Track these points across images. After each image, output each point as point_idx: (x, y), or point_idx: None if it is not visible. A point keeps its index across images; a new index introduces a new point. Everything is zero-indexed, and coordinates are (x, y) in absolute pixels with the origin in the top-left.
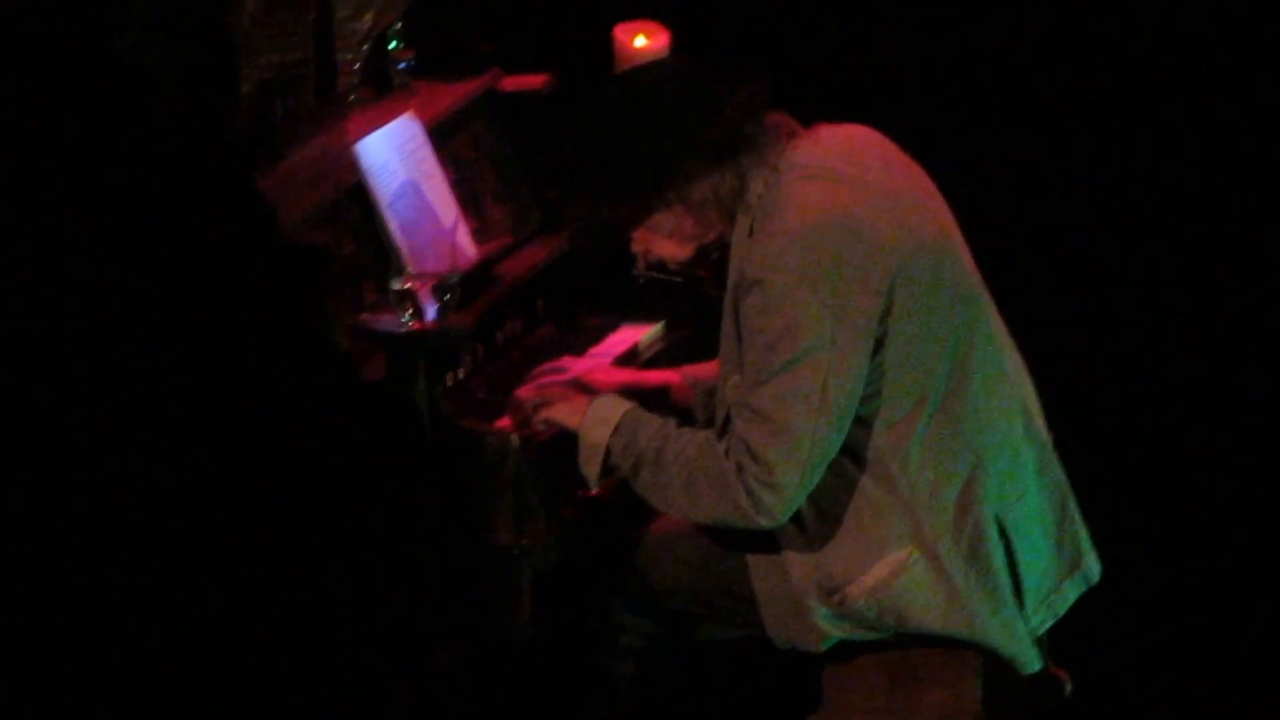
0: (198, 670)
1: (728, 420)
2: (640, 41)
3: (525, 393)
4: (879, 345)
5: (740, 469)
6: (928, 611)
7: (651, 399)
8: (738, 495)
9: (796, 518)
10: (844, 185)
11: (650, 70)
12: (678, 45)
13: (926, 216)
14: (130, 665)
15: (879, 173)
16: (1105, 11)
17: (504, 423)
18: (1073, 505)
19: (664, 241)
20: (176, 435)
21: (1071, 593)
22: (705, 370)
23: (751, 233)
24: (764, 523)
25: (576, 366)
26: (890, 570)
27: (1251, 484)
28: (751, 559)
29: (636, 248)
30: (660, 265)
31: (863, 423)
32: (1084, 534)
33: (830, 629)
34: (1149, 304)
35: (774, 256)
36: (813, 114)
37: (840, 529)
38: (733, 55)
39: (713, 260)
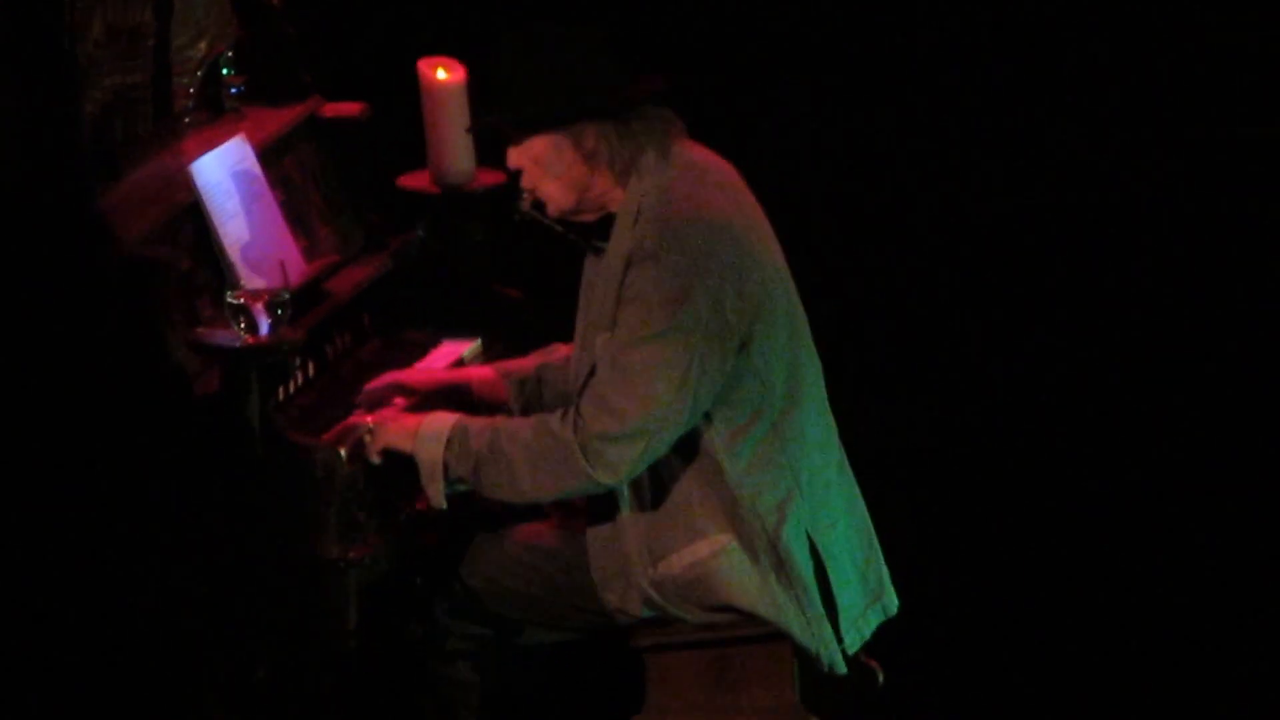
0: (27, 672)
1: (583, 390)
2: (441, 74)
3: (359, 419)
4: (743, 347)
5: (577, 428)
6: (740, 594)
7: (470, 395)
8: (577, 458)
9: (637, 485)
10: (727, 196)
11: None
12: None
13: (773, 247)
14: None
15: (737, 198)
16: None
17: (332, 436)
18: (876, 544)
19: (553, 182)
20: (11, 446)
21: (874, 620)
22: (517, 365)
23: (638, 218)
24: (604, 478)
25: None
26: (710, 551)
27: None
28: (590, 527)
29: (526, 183)
30: (540, 207)
31: (706, 417)
32: (885, 571)
33: (652, 594)
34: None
35: (671, 238)
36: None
37: (671, 505)
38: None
39: (589, 223)
